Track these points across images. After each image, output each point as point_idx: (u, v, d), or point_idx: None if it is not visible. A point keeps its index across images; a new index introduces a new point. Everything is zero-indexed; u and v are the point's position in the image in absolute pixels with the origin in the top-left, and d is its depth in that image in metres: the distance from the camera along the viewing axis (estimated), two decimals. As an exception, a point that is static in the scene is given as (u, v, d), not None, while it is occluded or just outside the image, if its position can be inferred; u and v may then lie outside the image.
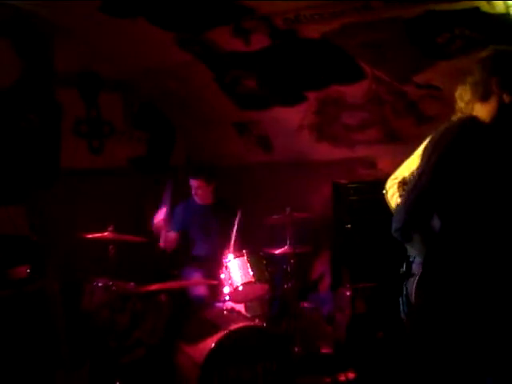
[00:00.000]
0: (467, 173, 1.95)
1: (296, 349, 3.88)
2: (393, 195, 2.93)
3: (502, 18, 3.36)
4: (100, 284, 3.73)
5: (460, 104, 2.74)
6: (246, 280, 3.78)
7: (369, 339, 4.06)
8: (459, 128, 2.13)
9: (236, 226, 3.95)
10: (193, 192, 4.38)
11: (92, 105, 5.02)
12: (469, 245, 1.90)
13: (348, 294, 4.25)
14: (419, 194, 2.05)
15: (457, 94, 2.78)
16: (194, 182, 4.35)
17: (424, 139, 3.13)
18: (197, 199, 4.39)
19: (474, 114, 2.23)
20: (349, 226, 4.45)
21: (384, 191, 3.03)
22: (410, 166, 3.00)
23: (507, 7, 3.27)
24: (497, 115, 2.11)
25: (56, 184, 4.65)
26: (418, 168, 2.20)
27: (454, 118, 2.68)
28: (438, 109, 4.17)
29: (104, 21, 3.96)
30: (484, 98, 2.17)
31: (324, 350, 4.13)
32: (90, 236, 3.84)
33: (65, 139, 4.79)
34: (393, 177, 2.99)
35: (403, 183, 2.92)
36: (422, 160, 2.13)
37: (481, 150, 1.98)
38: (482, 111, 2.18)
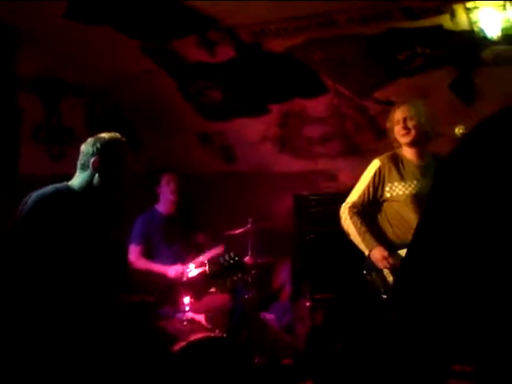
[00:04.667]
0: None
1: (256, 359, 3.88)
2: (345, 219, 3.22)
3: (465, 34, 3.46)
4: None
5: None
6: (206, 290, 3.78)
7: (327, 350, 4.10)
8: None
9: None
10: (168, 190, 4.30)
11: (53, 110, 4.93)
12: None
13: (308, 304, 4.29)
14: None
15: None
16: (170, 177, 4.31)
17: (383, 154, 3.25)
18: (172, 198, 4.30)
19: None
20: (309, 237, 4.50)
21: (340, 217, 3.27)
22: (357, 191, 3.27)
23: (471, 24, 3.36)
24: None
25: (14, 191, 4.54)
26: None
27: None
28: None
29: (68, 26, 3.91)
30: None
31: (284, 361, 4.15)
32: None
33: (24, 145, 4.69)
34: (345, 203, 3.28)
35: (353, 207, 3.22)
36: None
37: None
38: None
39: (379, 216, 3.22)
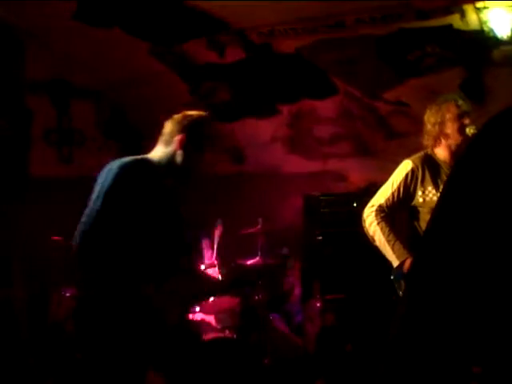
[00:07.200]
0: None
1: (266, 360, 3.88)
2: (371, 223, 2.91)
3: (475, 34, 3.44)
4: (68, 294, 3.68)
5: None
6: (216, 291, 3.79)
7: (338, 351, 4.09)
8: None
9: (217, 238, 3.99)
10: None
11: (63, 113, 4.96)
12: None
13: (318, 305, 4.28)
14: None
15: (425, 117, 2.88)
16: None
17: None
18: None
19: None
20: (320, 237, 4.49)
21: (363, 219, 2.98)
22: (385, 193, 2.97)
23: (481, 23, 3.33)
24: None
25: (24, 192, 4.58)
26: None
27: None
28: (407, 125, 4.28)
29: (78, 29, 3.94)
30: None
31: (294, 362, 4.14)
32: (59, 244, 3.79)
33: (35, 147, 4.73)
34: (369, 205, 2.98)
35: (380, 211, 2.92)
36: None
37: None
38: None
39: (408, 220, 2.99)
